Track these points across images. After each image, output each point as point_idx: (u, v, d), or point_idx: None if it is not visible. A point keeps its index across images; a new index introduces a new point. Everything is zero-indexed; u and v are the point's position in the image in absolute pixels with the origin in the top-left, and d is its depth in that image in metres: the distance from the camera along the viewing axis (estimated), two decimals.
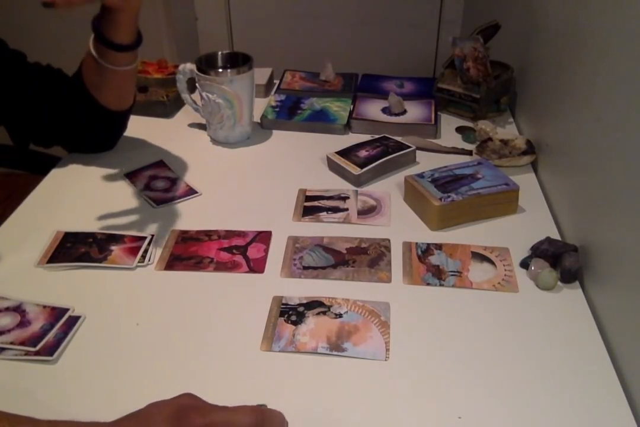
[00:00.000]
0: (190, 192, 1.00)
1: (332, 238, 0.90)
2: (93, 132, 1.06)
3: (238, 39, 2.26)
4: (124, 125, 1.10)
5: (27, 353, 0.70)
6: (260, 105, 1.24)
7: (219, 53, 1.15)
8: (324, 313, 0.76)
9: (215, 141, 1.17)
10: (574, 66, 0.93)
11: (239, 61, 1.12)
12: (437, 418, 0.63)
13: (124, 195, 1.00)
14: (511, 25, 1.27)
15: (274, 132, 1.20)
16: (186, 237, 0.90)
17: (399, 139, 1.12)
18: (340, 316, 0.76)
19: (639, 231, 0.68)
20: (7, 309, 0.76)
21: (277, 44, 2.19)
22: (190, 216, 0.95)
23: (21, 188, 1.04)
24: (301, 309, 0.77)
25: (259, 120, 1.22)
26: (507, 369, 0.69)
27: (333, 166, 1.06)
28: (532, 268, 0.82)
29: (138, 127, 1.21)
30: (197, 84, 1.11)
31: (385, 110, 1.22)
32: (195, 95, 1.17)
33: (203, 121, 1.18)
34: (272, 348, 0.71)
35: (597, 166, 0.82)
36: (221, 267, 0.84)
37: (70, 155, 1.11)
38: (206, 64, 1.10)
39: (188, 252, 0.87)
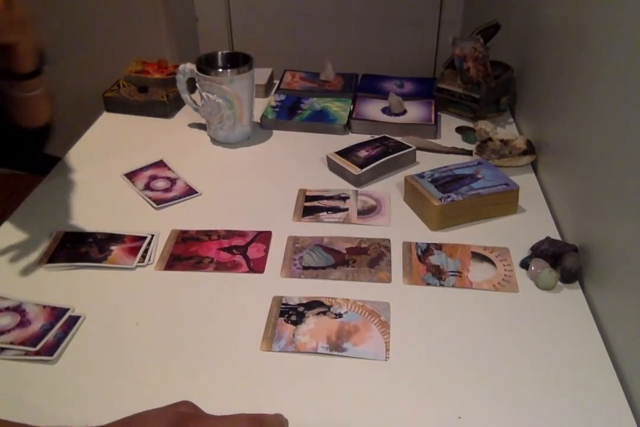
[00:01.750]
0: (190, 192, 1.00)
1: (332, 238, 0.90)
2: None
3: (238, 39, 2.25)
4: (43, 140, 1.03)
5: (27, 353, 0.70)
6: (260, 105, 1.24)
7: (219, 53, 1.15)
8: (324, 313, 0.76)
9: (215, 141, 1.17)
10: (574, 66, 0.93)
11: (239, 61, 1.12)
12: (437, 418, 0.63)
13: (124, 195, 1.00)
14: (511, 25, 1.27)
15: (274, 132, 1.20)
16: (186, 237, 0.90)
17: (399, 139, 1.12)
18: (340, 316, 0.76)
19: (639, 231, 0.68)
20: (7, 309, 0.76)
21: (277, 44, 2.19)
22: (190, 215, 0.95)
23: (21, 188, 1.04)
24: (301, 309, 0.77)
25: (259, 120, 1.22)
26: (507, 369, 0.69)
27: (333, 166, 1.06)
28: (532, 268, 0.82)
29: (138, 127, 1.22)
30: (197, 84, 1.11)
31: (385, 110, 1.22)
32: (195, 95, 1.17)
33: (203, 121, 1.18)
34: (272, 348, 0.71)
35: (597, 166, 0.82)
36: (221, 267, 0.84)
37: (70, 155, 1.11)
38: (206, 64, 1.10)
39: (188, 252, 0.87)
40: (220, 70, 1.09)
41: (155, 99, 1.24)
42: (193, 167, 1.07)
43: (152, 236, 0.89)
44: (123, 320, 0.76)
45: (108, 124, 1.24)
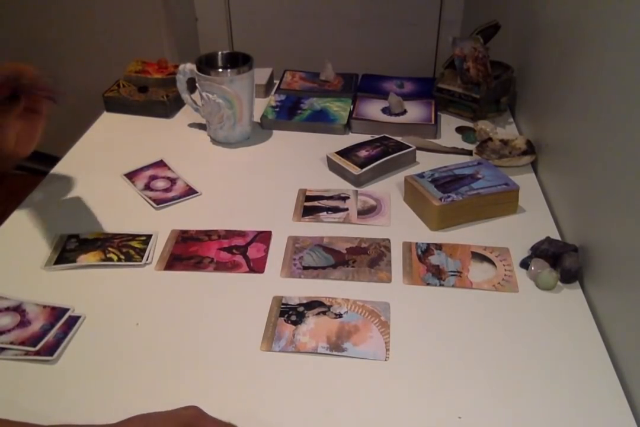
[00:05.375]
0: (190, 192, 1.00)
1: (332, 238, 0.90)
2: None
3: (238, 39, 2.25)
4: None
5: (27, 353, 0.70)
6: (260, 106, 1.24)
7: (219, 53, 1.15)
8: (324, 313, 0.76)
9: (215, 141, 1.17)
10: (574, 66, 0.93)
11: (239, 61, 1.12)
12: (437, 418, 0.63)
13: (124, 195, 1.00)
14: (511, 25, 1.27)
15: (274, 132, 1.20)
16: (186, 237, 0.90)
17: (399, 139, 1.12)
18: (340, 316, 0.76)
19: (639, 231, 0.68)
20: (7, 309, 0.76)
21: (277, 44, 2.18)
22: (190, 216, 0.95)
23: (21, 188, 1.04)
24: (301, 309, 0.77)
25: (259, 121, 1.22)
26: (507, 369, 0.69)
27: (333, 166, 1.06)
28: (532, 268, 0.82)
29: (138, 127, 1.22)
30: (197, 84, 1.11)
31: (385, 110, 1.22)
32: (195, 95, 1.17)
33: (203, 121, 1.18)
34: (272, 348, 0.71)
35: (597, 166, 0.82)
36: (221, 267, 0.84)
37: (70, 155, 1.11)
38: (206, 64, 1.10)
39: (188, 252, 0.87)
40: (220, 70, 1.09)
41: (155, 99, 1.24)
42: (193, 167, 1.07)
43: (151, 235, 0.89)
44: (123, 320, 0.76)
45: (108, 124, 1.24)
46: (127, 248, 0.86)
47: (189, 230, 0.91)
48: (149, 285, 0.81)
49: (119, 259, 0.84)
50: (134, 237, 0.89)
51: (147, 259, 0.85)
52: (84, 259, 0.84)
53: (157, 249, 0.87)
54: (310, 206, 0.97)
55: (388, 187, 1.02)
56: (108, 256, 0.85)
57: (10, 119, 0.87)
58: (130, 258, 0.85)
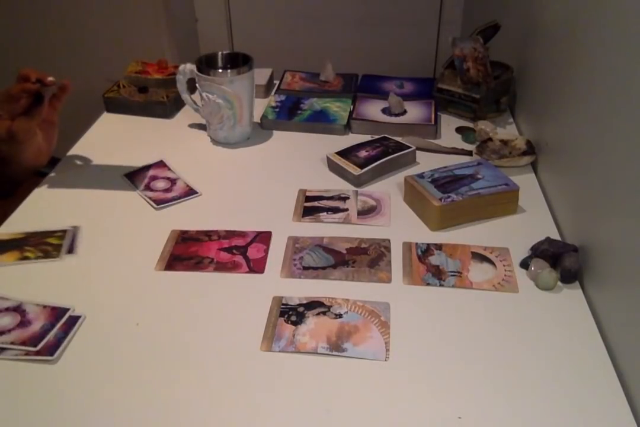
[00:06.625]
0: (190, 192, 1.01)
1: (332, 238, 0.90)
2: None
3: (238, 39, 2.25)
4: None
5: (28, 353, 0.70)
6: (261, 106, 1.24)
7: (219, 53, 1.15)
8: (324, 313, 0.76)
9: (215, 141, 1.17)
10: (573, 66, 0.93)
11: (239, 61, 1.12)
12: (437, 418, 0.63)
13: (124, 195, 1.00)
14: (511, 25, 1.27)
15: (274, 132, 1.20)
16: (186, 238, 0.90)
17: (399, 139, 1.12)
18: (340, 316, 0.76)
19: (639, 230, 0.68)
20: (7, 309, 0.76)
21: (277, 44, 2.18)
22: (190, 216, 0.95)
23: (22, 189, 1.04)
24: (301, 309, 0.77)
25: (259, 121, 1.22)
26: (507, 369, 0.69)
27: (333, 166, 1.07)
28: (532, 268, 0.82)
29: (138, 127, 1.22)
30: (197, 85, 1.11)
31: (385, 111, 1.23)
32: (196, 96, 1.17)
33: (203, 121, 1.18)
34: (272, 348, 0.71)
35: (597, 166, 0.82)
36: (221, 267, 0.84)
37: (70, 156, 1.11)
38: (206, 65, 1.10)
39: (188, 253, 0.87)
40: (220, 70, 1.09)
41: (155, 99, 1.24)
42: (193, 167, 1.07)
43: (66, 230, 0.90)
44: (123, 320, 0.76)
45: (108, 124, 1.24)
46: (44, 245, 0.87)
47: (189, 230, 0.91)
48: (149, 285, 0.82)
49: (37, 257, 0.85)
50: (50, 233, 0.89)
51: (66, 253, 0.85)
52: (0, 260, 0.85)
53: (157, 249, 0.87)
54: (310, 206, 0.97)
55: (388, 188, 1.02)
56: (24, 255, 0.85)
57: (36, 122, 0.93)
58: (47, 254, 0.85)
